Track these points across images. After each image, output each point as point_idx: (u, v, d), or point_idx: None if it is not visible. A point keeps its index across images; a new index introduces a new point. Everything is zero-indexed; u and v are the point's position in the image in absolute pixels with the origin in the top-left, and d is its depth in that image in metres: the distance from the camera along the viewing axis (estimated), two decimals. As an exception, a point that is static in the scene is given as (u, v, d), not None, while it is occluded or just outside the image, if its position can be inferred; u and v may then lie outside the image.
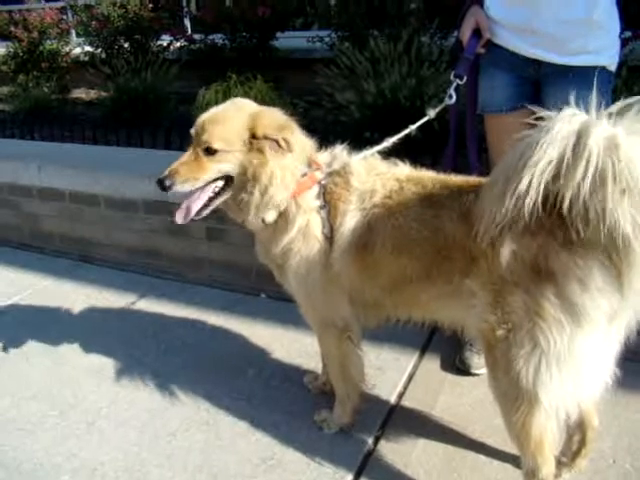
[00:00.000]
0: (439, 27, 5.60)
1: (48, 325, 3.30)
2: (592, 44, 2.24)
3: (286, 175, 2.07)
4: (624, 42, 4.34)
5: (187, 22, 9.01)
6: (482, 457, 2.22)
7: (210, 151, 2.04)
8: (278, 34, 7.62)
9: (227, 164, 2.06)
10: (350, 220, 2.06)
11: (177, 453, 2.35)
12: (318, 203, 2.12)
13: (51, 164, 4.19)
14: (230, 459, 2.30)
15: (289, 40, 7.73)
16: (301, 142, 2.14)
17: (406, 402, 2.55)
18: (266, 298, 3.45)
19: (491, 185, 1.68)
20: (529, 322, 1.68)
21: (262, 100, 5.49)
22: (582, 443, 2.07)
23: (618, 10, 2.31)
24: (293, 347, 2.93)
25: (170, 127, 5.77)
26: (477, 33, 2.41)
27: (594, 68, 2.25)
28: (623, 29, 2.37)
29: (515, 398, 1.76)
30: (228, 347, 3.00)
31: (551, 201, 1.57)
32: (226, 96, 5.67)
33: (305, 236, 2.12)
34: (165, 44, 8.29)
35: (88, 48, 8.54)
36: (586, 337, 1.65)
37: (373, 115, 4.62)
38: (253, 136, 2.04)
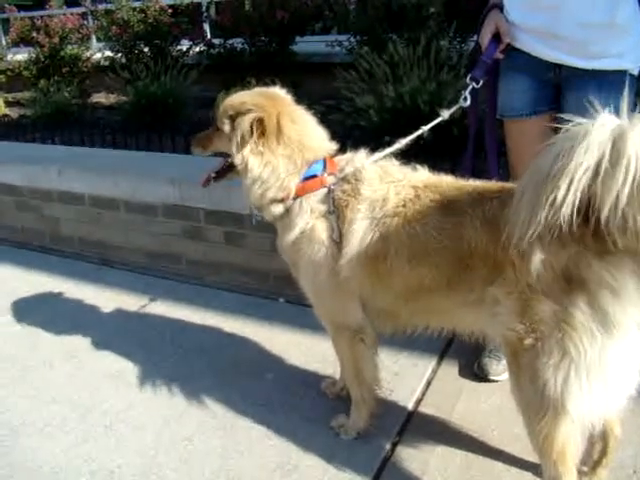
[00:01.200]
0: (458, 31, 5.58)
1: (68, 328, 3.32)
2: (614, 47, 2.20)
3: (264, 170, 2.10)
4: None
5: (206, 27, 9.06)
6: (500, 465, 2.20)
7: (218, 127, 2.21)
8: (297, 38, 7.64)
9: (219, 143, 2.24)
10: (358, 229, 2.03)
11: (194, 457, 2.36)
12: (325, 207, 2.11)
13: (71, 168, 4.23)
14: (247, 464, 2.30)
15: (308, 44, 7.75)
16: (299, 138, 2.14)
17: (424, 408, 2.53)
18: (284, 303, 3.44)
19: (522, 193, 1.60)
20: (559, 331, 1.65)
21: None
22: (604, 453, 2.04)
23: None
24: (311, 352, 2.92)
25: (190, 131, 5.79)
26: (497, 37, 2.39)
27: (616, 72, 2.22)
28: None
29: (539, 407, 1.73)
30: (246, 352, 3.00)
31: (583, 210, 1.51)
32: (245, 101, 5.68)
33: (310, 240, 2.12)
34: (184, 49, 8.34)
35: (108, 53, 8.62)
36: (617, 346, 1.62)
37: (392, 119, 4.61)
38: (230, 117, 2.14)
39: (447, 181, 2.03)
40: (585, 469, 2.06)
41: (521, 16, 2.34)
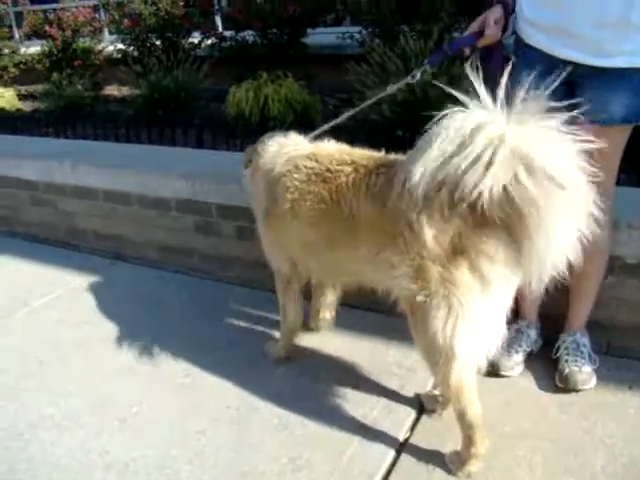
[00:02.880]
0: (470, 23, 5.54)
1: (84, 322, 3.36)
2: (628, 45, 2.16)
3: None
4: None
5: (218, 19, 9.07)
6: (511, 461, 2.21)
7: None
8: (309, 30, 7.62)
9: None
10: (260, 195, 2.57)
11: (207, 451, 2.38)
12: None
13: (84, 163, 4.25)
14: (259, 457, 2.33)
15: (320, 36, 7.74)
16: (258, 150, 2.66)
17: (435, 403, 2.54)
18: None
19: (425, 145, 1.84)
20: (445, 289, 1.94)
21: (292, 98, 5.51)
22: None
23: None
24: (323, 346, 2.94)
25: (202, 125, 5.81)
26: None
27: (629, 70, 2.20)
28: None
29: (434, 354, 2.05)
30: (258, 346, 3.01)
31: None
32: (256, 94, 5.70)
33: (257, 201, 2.66)
34: (196, 42, 8.35)
35: (120, 46, 8.65)
36: (490, 299, 1.95)
37: (404, 113, 4.60)
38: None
39: (335, 151, 2.32)
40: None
41: (535, 13, 2.32)
